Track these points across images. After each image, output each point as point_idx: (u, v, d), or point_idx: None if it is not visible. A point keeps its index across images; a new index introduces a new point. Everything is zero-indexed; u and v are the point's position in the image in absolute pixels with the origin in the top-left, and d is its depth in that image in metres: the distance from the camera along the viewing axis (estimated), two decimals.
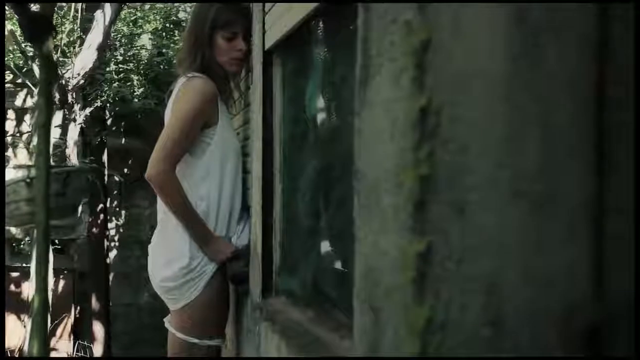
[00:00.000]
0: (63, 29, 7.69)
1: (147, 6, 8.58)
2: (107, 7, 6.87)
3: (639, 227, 0.55)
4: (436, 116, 0.79)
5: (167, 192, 2.75)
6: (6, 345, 7.60)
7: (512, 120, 0.66)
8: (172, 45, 8.35)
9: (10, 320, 7.94)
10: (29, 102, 8.60)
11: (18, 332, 7.74)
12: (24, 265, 7.66)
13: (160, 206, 2.93)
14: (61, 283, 8.79)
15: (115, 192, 9.13)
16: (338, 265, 2.62)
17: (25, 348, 6.78)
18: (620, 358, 0.58)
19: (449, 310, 0.77)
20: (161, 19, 8.63)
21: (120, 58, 8.16)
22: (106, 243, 8.55)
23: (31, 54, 7.26)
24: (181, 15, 8.51)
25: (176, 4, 8.39)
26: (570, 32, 0.60)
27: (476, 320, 0.71)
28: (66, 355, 8.62)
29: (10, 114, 8.61)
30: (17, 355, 7.75)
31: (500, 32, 0.69)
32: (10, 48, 7.48)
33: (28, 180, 5.90)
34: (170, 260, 2.87)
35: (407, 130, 0.87)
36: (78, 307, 8.92)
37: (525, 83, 0.65)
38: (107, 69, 7.93)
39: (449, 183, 0.77)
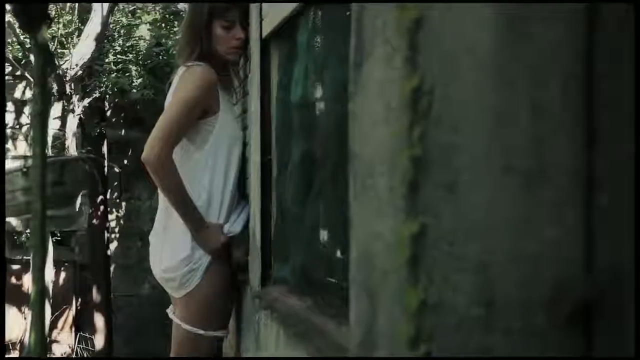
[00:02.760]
0: (61, 20, 7.68)
1: None
2: None
3: (636, 202, 0.55)
4: (428, 96, 0.79)
5: (162, 176, 2.73)
6: (7, 338, 7.62)
7: (502, 97, 0.66)
8: (171, 35, 8.34)
9: (11, 312, 7.96)
10: (28, 94, 8.60)
11: (19, 324, 7.76)
12: (24, 257, 7.67)
13: (162, 196, 2.92)
14: (62, 275, 8.81)
15: (115, 183, 9.14)
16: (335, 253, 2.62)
17: (26, 340, 6.79)
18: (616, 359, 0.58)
19: (441, 291, 0.76)
20: (160, 10, 8.61)
21: (119, 49, 8.14)
22: (107, 235, 8.55)
23: (29, 45, 7.25)
24: (180, 5, 8.48)
25: None
26: (558, 6, 0.60)
27: (468, 300, 0.71)
28: (68, 348, 8.64)
29: (10, 106, 8.61)
30: (18, 348, 7.76)
31: (487, 8, 0.68)
32: (9, 40, 7.47)
33: (24, 169, 5.90)
34: (173, 251, 2.86)
35: (400, 111, 0.86)
36: (79, 299, 8.94)
37: (514, 59, 0.64)
38: (106, 60, 7.92)
39: (441, 163, 0.77)
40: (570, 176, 0.58)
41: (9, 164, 6.14)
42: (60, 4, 7.71)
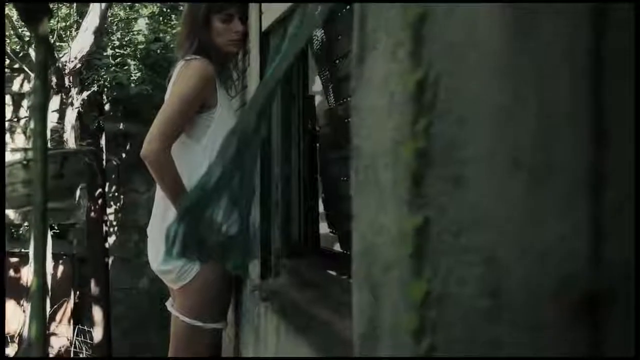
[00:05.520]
0: (60, 13, 7.67)
1: None
2: None
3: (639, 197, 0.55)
4: (433, 89, 0.79)
5: (160, 171, 2.74)
6: (6, 331, 7.62)
7: (508, 90, 0.66)
8: (169, 30, 8.34)
9: (10, 305, 7.96)
10: (26, 87, 8.60)
11: (17, 317, 7.76)
12: (23, 250, 7.67)
13: (159, 189, 2.93)
14: (60, 268, 8.81)
15: (114, 176, 9.14)
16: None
17: (25, 333, 6.79)
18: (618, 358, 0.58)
19: (446, 283, 0.76)
20: (158, 3, 8.60)
21: (117, 43, 8.14)
22: (105, 227, 8.55)
23: (28, 38, 7.24)
24: None
25: None
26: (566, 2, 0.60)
27: (473, 293, 0.71)
28: (67, 340, 8.65)
29: (8, 99, 8.60)
30: (17, 341, 7.77)
31: (495, 2, 0.68)
32: (7, 33, 7.46)
33: (25, 162, 5.91)
34: None
35: (404, 104, 0.86)
36: (77, 292, 8.95)
37: (521, 52, 0.64)
38: (104, 54, 7.92)
39: (446, 156, 0.77)
40: (578, 170, 0.58)
41: (10, 157, 6.15)
42: None
